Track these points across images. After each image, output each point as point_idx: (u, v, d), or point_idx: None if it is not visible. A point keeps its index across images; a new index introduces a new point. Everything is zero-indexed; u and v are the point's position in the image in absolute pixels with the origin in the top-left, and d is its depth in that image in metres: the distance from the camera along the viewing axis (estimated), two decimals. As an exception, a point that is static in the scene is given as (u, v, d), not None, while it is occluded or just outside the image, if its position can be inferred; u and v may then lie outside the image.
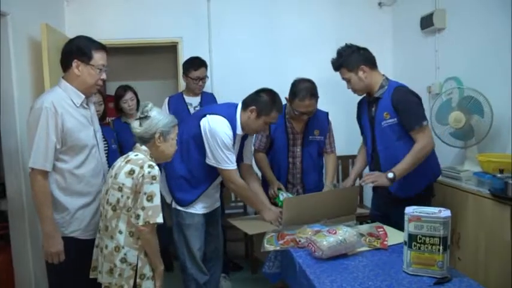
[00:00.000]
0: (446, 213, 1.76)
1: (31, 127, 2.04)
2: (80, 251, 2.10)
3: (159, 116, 2.01)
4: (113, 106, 3.68)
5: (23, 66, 2.97)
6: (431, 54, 3.54)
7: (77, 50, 2.11)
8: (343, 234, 2.00)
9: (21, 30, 2.95)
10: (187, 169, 2.53)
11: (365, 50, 2.52)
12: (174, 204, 2.58)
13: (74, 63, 2.10)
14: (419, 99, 2.46)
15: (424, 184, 2.51)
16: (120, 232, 1.91)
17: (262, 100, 2.48)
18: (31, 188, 2.06)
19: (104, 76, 2.18)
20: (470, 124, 2.78)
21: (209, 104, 3.49)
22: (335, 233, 2.02)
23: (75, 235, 2.14)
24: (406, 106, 2.39)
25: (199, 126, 2.46)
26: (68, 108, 2.08)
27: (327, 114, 2.97)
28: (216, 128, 2.42)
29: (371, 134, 2.58)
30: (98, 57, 2.13)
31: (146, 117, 1.99)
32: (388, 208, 2.53)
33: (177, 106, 3.49)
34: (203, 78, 3.53)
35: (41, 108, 2.00)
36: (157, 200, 1.88)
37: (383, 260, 1.94)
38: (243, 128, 2.52)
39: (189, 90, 3.59)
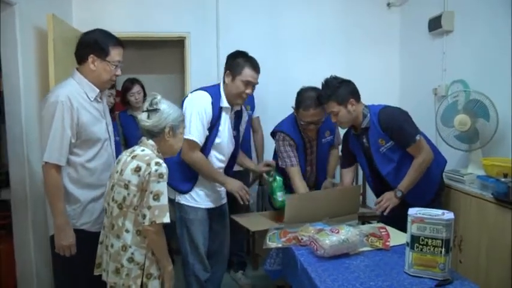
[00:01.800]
0: (449, 215, 1.76)
1: (46, 121, 2.03)
2: (89, 243, 2.09)
3: (169, 110, 1.94)
4: (119, 100, 3.69)
5: (29, 56, 2.97)
6: (438, 56, 3.52)
7: (94, 44, 2.10)
8: (346, 233, 2.00)
9: (28, 20, 2.95)
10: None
11: (350, 82, 2.49)
12: (177, 199, 2.57)
13: (90, 58, 2.09)
14: (405, 113, 2.47)
15: (435, 185, 2.58)
16: (127, 231, 1.86)
17: (233, 61, 2.51)
18: (44, 182, 2.06)
19: (118, 72, 2.17)
20: (475, 127, 2.77)
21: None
22: (338, 232, 2.02)
23: (85, 227, 2.15)
24: (396, 128, 2.40)
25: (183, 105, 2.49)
26: (83, 102, 2.09)
27: None
28: (195, 100, 2.46)
29: (367, 163, 2.58)
30: (115, 54, 2.12)
31: (155, 110, 1.92)
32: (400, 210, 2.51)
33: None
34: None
35: (57, 102, 2.00)
36: (164, 199, 1.82)
37: (385, 260, 1.94)
38: (227, 99, 2.52)
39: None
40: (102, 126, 2.18)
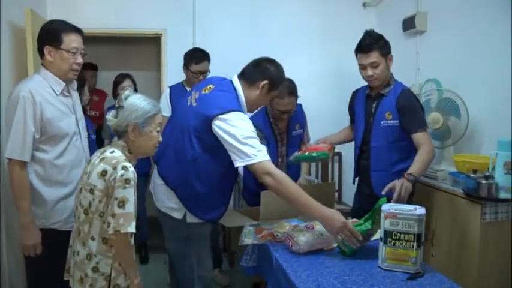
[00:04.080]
0: (421, 211, 1.80)
1: (8, 116, 1.98)
2: (61, 243, 1.99)
3: (132, 107, 1.78)
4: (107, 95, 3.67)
5: (4, 53, 2.88)
6: (412, 56, 3.59)
7: (47, 35, 2.04)
8: (321, 229, 2.03)
9: (2, 15, 2.87)
10: (209, 186, 2.12)
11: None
12: (189, 219, 2.15)
13: (46, 50, 2.03)
14: (422, 105, 2.52)
15: None
16: (93, 239, 1.75)
17: (272, 71, 2.14)
18: (9, 179, 2.00)
19: (79, 60, 2.08)
20: (447, 125, 2.84)
21: None
22: (312, 228, 2.05)
23: (57, 227, 2.09)
24: (412, 109, 2.43)
25: (212, 134, 1.99)
26: (48, 96, 2.03)
27: (301, 106, 2.95)
28: (237, 126, 1.95)
29: (364, 129, 2.59)
30: (69, 40, 2.03)
31: (120, 107, 1.80)
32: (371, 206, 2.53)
33: (180, 98, 3.27)
34: (205, 72, 3.28)
35: (18, 97, 1.95)
36: (129, 207, 1.68)
37: (359, 255, 1.97)
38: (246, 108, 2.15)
39: (189, 82, 3.34)
40: (70, 121, 2.12)
